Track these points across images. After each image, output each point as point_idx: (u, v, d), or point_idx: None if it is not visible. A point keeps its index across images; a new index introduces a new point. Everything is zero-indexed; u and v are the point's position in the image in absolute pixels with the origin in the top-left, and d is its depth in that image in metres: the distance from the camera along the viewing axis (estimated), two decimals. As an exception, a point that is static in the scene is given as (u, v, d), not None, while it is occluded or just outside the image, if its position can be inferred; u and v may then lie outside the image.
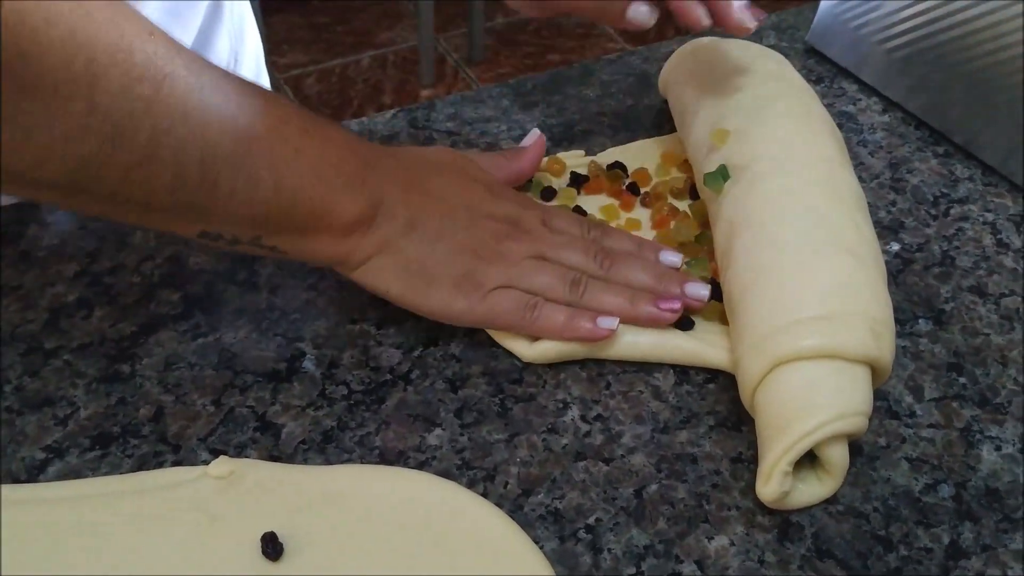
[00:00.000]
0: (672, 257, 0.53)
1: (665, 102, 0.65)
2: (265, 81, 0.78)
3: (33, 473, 0.45)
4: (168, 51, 0.40)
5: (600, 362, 0.50)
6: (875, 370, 0.45)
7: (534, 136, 0.58)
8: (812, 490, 0.44)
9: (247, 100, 0.44)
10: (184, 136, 0.41)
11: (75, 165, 0.39)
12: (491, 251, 0.50)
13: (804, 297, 0.45)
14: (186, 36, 0.65)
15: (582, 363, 0.50)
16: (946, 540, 0.43)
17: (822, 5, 0.70)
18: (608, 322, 0.49)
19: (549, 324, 0.49)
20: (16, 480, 0.45)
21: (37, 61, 0.36)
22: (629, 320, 0.50)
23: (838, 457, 0.43)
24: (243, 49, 0.72)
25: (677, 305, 0.50)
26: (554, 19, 2.40)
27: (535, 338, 0.50)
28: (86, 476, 0.45)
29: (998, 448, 0.47)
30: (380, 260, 0.49)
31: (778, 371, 0.44)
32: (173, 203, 0.43)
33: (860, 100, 0.68)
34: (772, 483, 0.43)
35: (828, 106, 0.60)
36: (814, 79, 0.69)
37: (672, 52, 0.64)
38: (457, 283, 0.49)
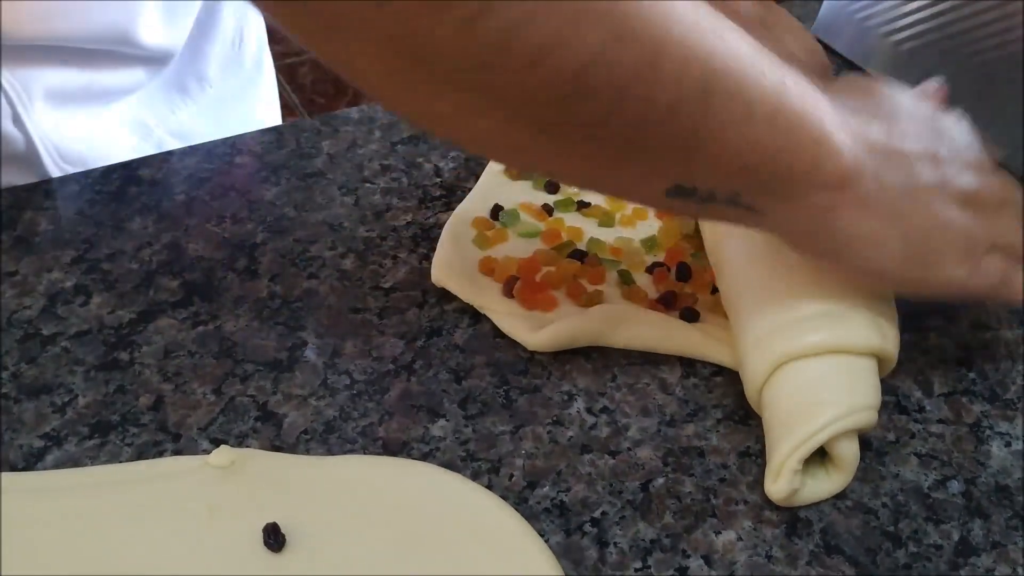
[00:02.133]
0: None
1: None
2: (268, 59, 0.78)
3: (31, 461, 0.44)
4: None
5: (606, 354, 0.50)
6: (881, 361, 0.45)
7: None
8: (821, 485, 0.43)
9: (724, 22, 0.38)
10: (685, 42, 0.36)
11: (585, 58, 0.34)
12: (974, 210, 0.44)
13: (806, 293, 0.45)
14: (190, 10, 0.65)
15: (588, 355, 0.50)
16: (956, 537, 0.43)
17: (828, -3, 0.70)
18: None
19: None
20: (14, 468, 0.44)
21: None
22: None
23: (848, 452, 0.43)
24: (247, 25, 0.72)
25: None
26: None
27: (539, 325, 0.49)
28: (85, 464, 0.44)
29: (1008, 444, 0.46)
30: (873, 231, 0.42)
31: (784, 369, 0.44)
32: (660, 136, 0.38)
33: (866, 93, 0.67)
34: (781, 481, 0.42)
35: (836, 98, 0.59)
36: (820, 71, 0.69)
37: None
38: (958, 252, 0.44)
